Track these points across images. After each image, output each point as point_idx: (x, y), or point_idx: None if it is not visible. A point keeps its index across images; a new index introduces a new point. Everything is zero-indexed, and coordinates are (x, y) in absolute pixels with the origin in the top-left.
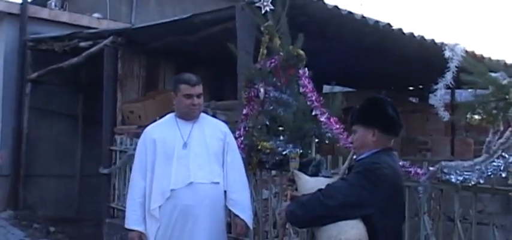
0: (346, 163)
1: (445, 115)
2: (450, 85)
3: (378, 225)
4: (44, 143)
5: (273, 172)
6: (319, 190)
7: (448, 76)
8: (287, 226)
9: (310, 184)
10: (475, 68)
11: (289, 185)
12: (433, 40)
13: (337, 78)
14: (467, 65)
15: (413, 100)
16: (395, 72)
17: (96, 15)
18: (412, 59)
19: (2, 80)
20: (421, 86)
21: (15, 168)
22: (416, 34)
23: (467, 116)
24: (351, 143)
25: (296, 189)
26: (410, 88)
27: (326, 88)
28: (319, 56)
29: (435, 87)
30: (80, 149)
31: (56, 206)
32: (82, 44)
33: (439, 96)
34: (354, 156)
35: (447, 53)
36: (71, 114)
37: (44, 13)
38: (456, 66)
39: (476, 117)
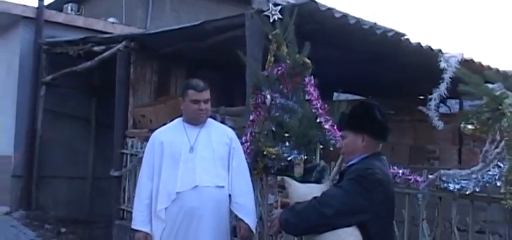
0: (336, 168)
1: (439, 124)
2: (445, 95)
3: (373, 231)
4: (57, 145)
5: (279, 177)
6: (315, 198)
7: (442, 87)
8: (281, 234)
9: (301, 191)
10: (470, 78)
11: (280, 191)
12: (440, 50)
13: (347, 86)
14: (462, 76)
15: (423, 109)
16: (404, 80)
17: (111, 19)
18: (421, 67)
19: (17, 82)
20: (430, 95)
21: (28, 169)
22: (423, 44)
23: (462, 125)
24: (340, 148)
25: (286, 196)
26: (421, 97)
27: (336, 95)
28: (329, 63)
29: (429, 96)
30: (92, 152)
31: (68, 207)
32: (96, 48)
33: (433, 106)
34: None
35: (442, 64)
36: (84, 117)
37: (59, 17)
38: (450, 77)
39: (470, 126)
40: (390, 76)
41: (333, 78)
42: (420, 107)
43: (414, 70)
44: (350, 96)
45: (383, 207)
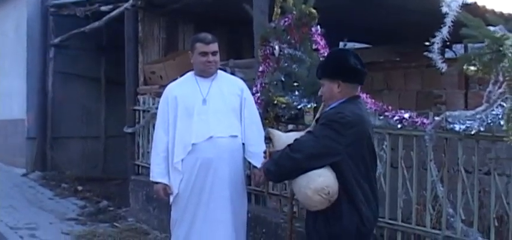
0: (317, 115)
1: (443, 66)
2: (447, 39)
3: (347, 170)
4: (68, 105)
5: (290, 126)
6: (288, 145)
7: (444, 30)
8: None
9: (282, 140)
10: (471, 22)
11: (267, 143)
12: None
13: (352, 35)
14: (463, 20)
15: (429, 54)
16: (410, 26)
17: None
18: (426, 12)
19: (26, 45)
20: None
21: (42, 131)
22: None
23: (464, 67)
24: (320, 96)
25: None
26: (427, 43)
27: (342, 45)
28: (334, 12)
29: (432, 40)
30: (104, 110)
31: (82, 166)
32: (103, 8)
33: (436, 49)
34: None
35: (444, 9)
36: (94, 76)
37: None
38: (454, 22)
39: (472, 68)
40: (395, 23)
41: (338, 28)
42: (426, 53)
43: (419, 15)
44: (357, 45)
45: (356, 148)
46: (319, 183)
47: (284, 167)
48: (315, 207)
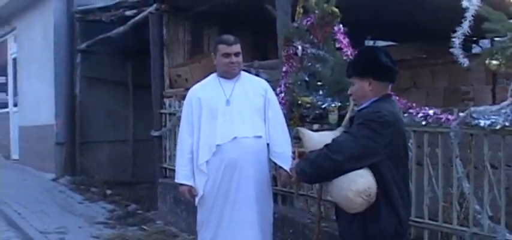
0: (348, 115)
1: (465, 61)
2: (472, 34)
3: (386, 171)
4: (96, 110)
5: (315, 126)
6: (326, 146)
7: (465, 25)
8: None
9: (315, 139)
10: (492, 15)
11: (296, 142)
12: None
13: (377, 32)
14: (485, 14)
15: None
16: (436, 23)
17: None
18: (452, 9)
19: (53, 52)
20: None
21: (70, 136)
22: None
23: (486, 61)
24: (350, 94)
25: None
26: (453, 40)
27: (366, 43)
28: (358, 10)
29: (454, 35)
30: (132, 114)
31: (111, 171)
32: (128, 12)
33: (457, 44)
34: (355, 107)
35: (464, 3)
36: (121, 81)
37: None
38: (479, 17)
39: (494, 62)
40: (421, 20)
41: (361, 26)
42: (452, 49)
43: (445, 12)
44: (381, 43)
45: (393, 148)
46: (361, 184)
47: (322, 168)
48: (355, 209)
